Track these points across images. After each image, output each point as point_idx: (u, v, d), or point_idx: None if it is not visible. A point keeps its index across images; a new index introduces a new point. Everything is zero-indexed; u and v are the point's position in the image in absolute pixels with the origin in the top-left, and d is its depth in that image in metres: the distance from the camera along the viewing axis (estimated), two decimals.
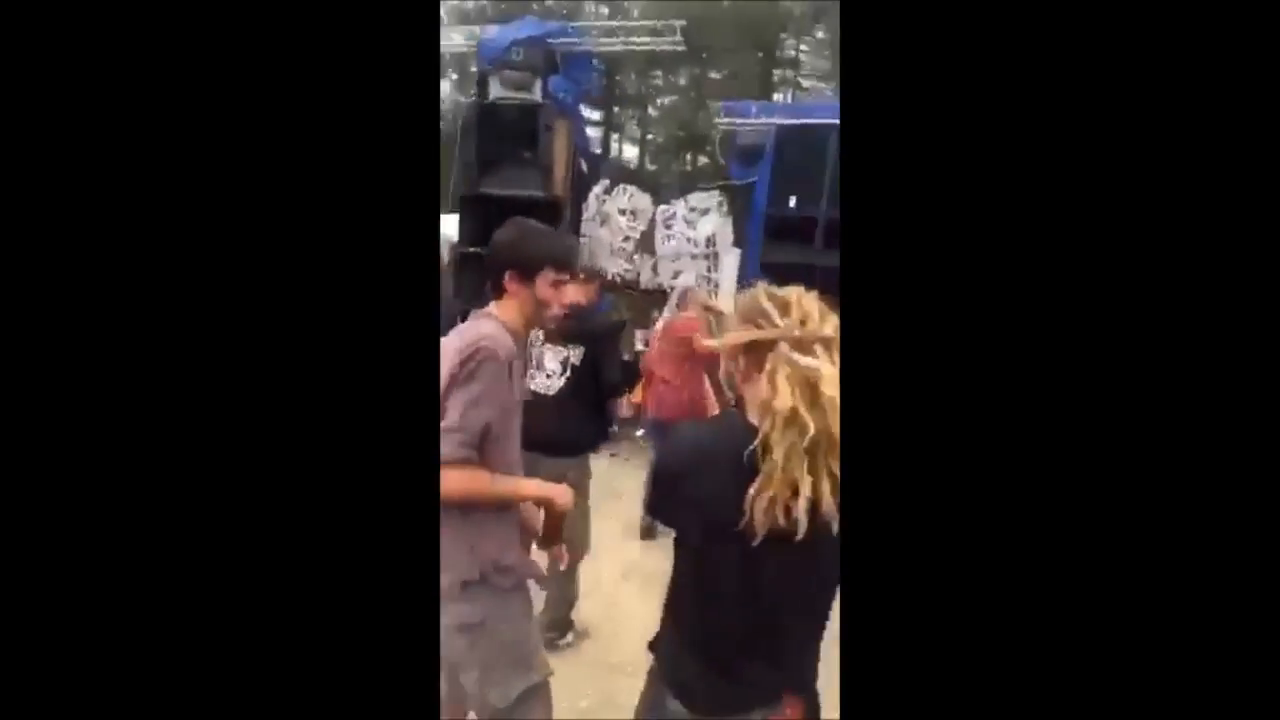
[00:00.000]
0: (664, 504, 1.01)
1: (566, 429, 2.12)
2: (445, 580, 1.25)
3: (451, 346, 1.26)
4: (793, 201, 4.29)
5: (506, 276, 1.32)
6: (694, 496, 0.95)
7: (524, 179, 4.34)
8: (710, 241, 4.21)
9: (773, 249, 4.18)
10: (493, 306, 1.35)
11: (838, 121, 4.09)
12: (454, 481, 1.19)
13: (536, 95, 4.52)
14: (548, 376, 2.18)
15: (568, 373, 2.17)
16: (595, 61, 5.38)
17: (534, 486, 1.33)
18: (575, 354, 2.16)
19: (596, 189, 4.58)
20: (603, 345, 2.19)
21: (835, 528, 0.86)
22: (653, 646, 1.06)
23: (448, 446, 1.18)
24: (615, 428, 3.35)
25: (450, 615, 1.26)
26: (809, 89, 12.70)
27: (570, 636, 2.33)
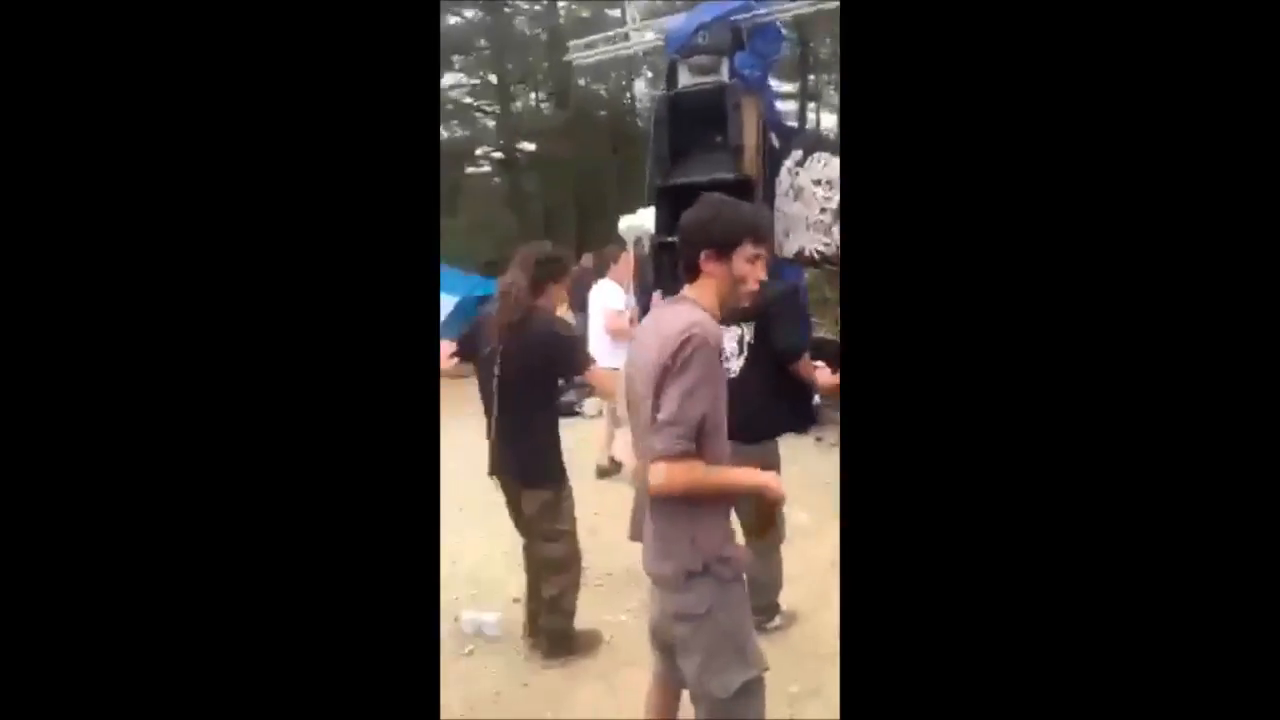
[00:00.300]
0: None
1: (751, 412, 2.06)
2: (669, 569, 1.28)
3: (650, 337, 1.27)
4: None
5: (702, 256, 1.29)
6: None
7: (714, 163, 4.35)
8: None
9: None
10: (687, 290, 1.32)
11: None
12: (676, 475, 1.18)
13: (723, 76, 4.49)
14: (726, 359, 2.17)
15: (744, 352, 2.13)
16: (782, 30, 5.17)
17: (747, 476, 1.32)
18: (749, 331, 2.12)
19: (788, 162, 4.42)
20: (774, 313, 2.09)
21: None
22: None
23: (667, 441, 1.16)
24: (818, 401, 3.19)
25: (674, 604, 1.30)
26: None
27: (778, 620, 2.31)
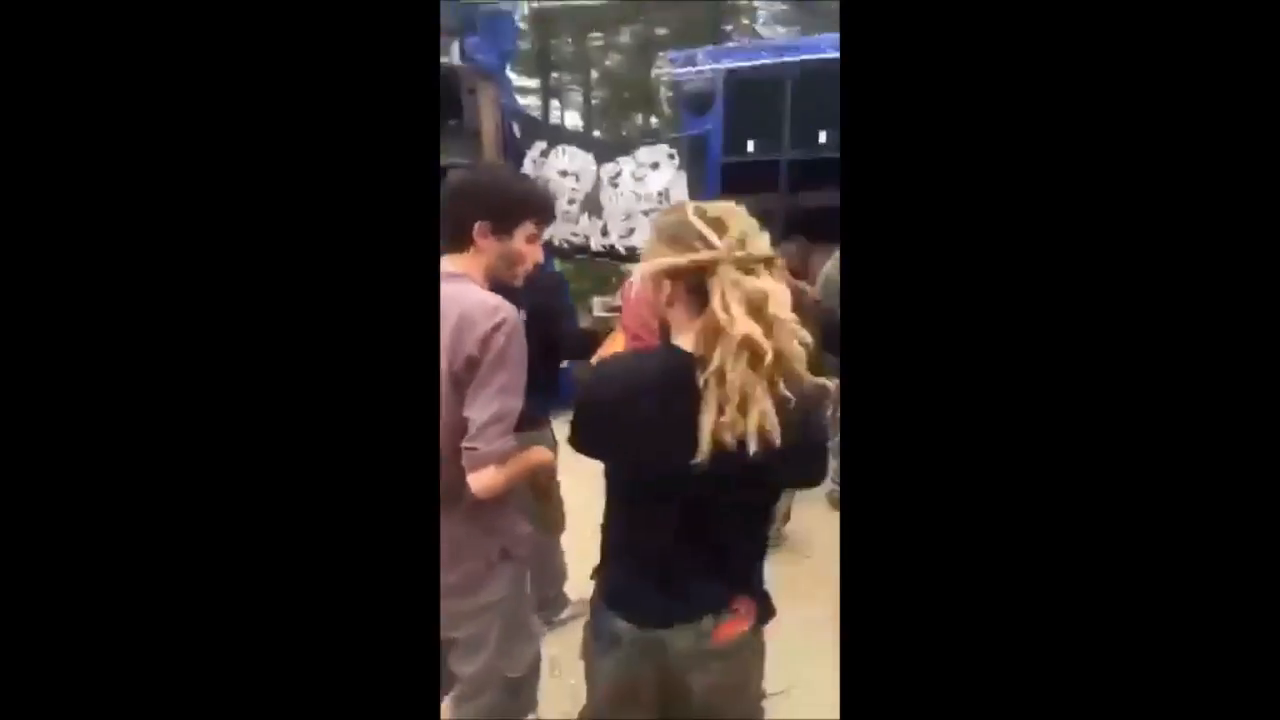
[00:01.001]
0: (595, 438, 1.01)
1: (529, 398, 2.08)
2: (464, 569, 1.22)
3: (443, 320, 1.15)
4: (750, 146, 4.28)
5: (476, 228, 1.20)
6: (628, 427, 0.96)
7: (449, 147, 4.27)
8: (663, 196, 4.19)
9: (733, 197, 4.15)
10: (454, 262, 1.21)
11: (796, 58, 4.08)
12: (501, 476, 1.13)
13: (454, 58, 4.44)
14: None
15: None
16: (517, 21, 5.30)
17: (536, 454, 1.30)
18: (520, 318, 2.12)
19: (532, 152, 4.53)
20: (550, 303, 2.11)
21: (777, 440, 0.89)
22: (595, 575, 1.12)
23: (495, 442, 1.11)
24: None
25: (468, 604, 1.26)
26: (764, 36, 12.66)
27: (566, 612, 2.34)
